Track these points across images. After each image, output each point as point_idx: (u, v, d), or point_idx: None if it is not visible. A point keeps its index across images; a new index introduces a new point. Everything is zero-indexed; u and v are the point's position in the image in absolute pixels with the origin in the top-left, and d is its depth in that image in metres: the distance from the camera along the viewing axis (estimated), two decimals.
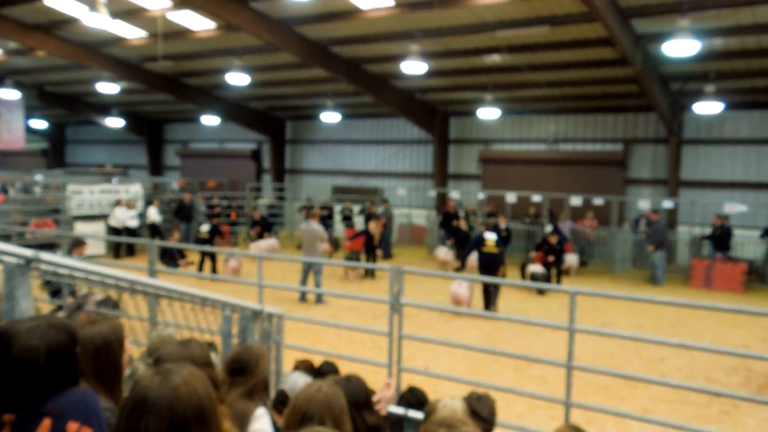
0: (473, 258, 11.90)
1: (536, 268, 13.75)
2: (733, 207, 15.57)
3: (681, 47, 11.48)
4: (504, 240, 13.18)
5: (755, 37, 12.66)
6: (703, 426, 6.11)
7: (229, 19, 13.62)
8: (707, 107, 15.27)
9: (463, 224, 15.80)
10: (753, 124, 16.97)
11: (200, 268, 14.54)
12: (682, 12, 11.24)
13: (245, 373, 3.05)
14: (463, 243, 14.66)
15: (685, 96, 16.40)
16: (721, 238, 15.07)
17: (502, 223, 13.41)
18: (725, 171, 17.38)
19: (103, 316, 2.65)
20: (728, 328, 10.57)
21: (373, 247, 15.23)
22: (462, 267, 13.49)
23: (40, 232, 13.86)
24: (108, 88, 20.37)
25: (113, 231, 16.86)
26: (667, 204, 16.72)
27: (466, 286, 11.16)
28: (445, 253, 16.10)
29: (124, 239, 13.83)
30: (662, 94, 15.64)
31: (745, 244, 15.85)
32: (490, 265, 11.11)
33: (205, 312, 4.61)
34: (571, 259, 15.67)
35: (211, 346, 4.32)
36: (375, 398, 3.88)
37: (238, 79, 16.81)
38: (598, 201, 17.79)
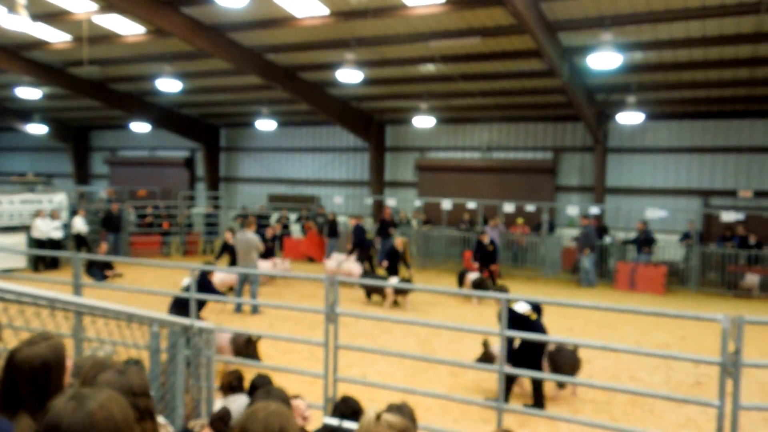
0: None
1: (474, 275, 13.96)
2: (655, 212, 16.37)
3: (604, 60, 12.05)
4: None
5: (672, 51, 13.41)
6: (628, 425, 6.37)
7: (159, 24, 13.26)
8: (629, 117, 16.05)
9: (270, 232, 15.66)
10: (671, 133, 17.96)
11: None
12: (605, 26, 11.81)
13: None
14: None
15: (609, 106, 17.17)
16: (644, 241, 15.84)
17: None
18: (647, 178, 18.30)
19: (43, 335, 2.45)
20: (651, 327, 11.08)
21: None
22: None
23: None
24: (29, 93, 19.42)
25: (36, 243, 16.01)
26: (594, 210, 17.42)
27: (354, 262, 14.86)
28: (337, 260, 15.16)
29: (48, 252, 13.16)
30: (588, 104, 16.31)
31: (666, 247, 16.69)
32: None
33: (132, 328, 4.46)
34: (751, 279, 14.88)
35: (138, 363, 4.17)
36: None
37: (169, 85, 16.37)
38: (530, 207, 18.32)
